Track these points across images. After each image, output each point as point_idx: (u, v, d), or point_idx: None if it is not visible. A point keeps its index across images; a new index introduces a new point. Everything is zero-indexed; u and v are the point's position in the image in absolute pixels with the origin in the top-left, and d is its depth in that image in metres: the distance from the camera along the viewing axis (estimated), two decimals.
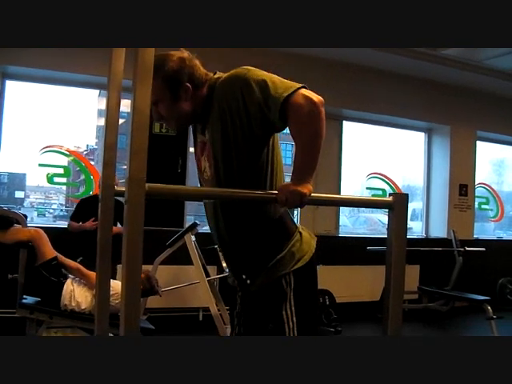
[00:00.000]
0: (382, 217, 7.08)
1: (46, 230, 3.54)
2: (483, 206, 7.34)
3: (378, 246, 5.12)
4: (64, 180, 5.41)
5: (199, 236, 4.35)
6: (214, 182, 1.61)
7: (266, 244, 1.63)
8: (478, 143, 6.94)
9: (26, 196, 6.49)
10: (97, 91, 5.52)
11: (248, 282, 1.68)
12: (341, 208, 6.29)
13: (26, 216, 3.81)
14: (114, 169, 1.29)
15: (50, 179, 5.20)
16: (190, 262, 4.20)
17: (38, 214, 6.45)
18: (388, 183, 6.66)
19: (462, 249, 5.89)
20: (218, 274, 4.63)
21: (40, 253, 3.34)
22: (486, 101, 6.72)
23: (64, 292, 3.29)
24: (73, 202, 5.52)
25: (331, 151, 5.98)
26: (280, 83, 1.47)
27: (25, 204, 6.41)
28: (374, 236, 6.73)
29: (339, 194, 5.81)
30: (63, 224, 5.11)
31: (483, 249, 5.94)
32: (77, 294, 3.31)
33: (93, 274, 3.15)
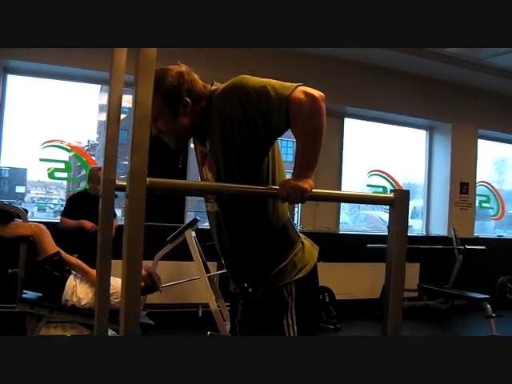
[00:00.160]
0: (382, 214, 7.08)
1: (46, 224, 3.54)
2: (484, 205, 7.34)
3: (379, 243, 5.10)
4: (65, 175, 5.42)
5: (199, 232, 4.34)
6: None
7: (268, 253, 1.63)
8: (480, 141, 6.93)
9: (27, 191, 6.50)
10: (98, 86, 5.52)
11: (250, 290, 1.68)
12: (341, 205, 6.29)
13: (26, 211, 3.82)
14: (115, 164, 1.28)
15: (50, 174, 5.21)
16: (190, 258, 4.20)
17: (38, 209, 6.45)
18: (389, 181, 6.66)
19: (462, 247, 5.90)
20: (218, 270, 4.63)
21: (42, 248, 3.34)
22: (488, 99, 6.71)
23: (66, 287, 3.30)
24: None
25: (332, 148, 5.97)
26: (278, 86, 1.46)
27: (25, 199, 6.41)
28: (375, 233, 6.74)
29: (340, 190, 5.80)
30: None
31: (483, 247, 5.95)
32: (79, 290, 3.31)
33: (93, 271, 3.16)
